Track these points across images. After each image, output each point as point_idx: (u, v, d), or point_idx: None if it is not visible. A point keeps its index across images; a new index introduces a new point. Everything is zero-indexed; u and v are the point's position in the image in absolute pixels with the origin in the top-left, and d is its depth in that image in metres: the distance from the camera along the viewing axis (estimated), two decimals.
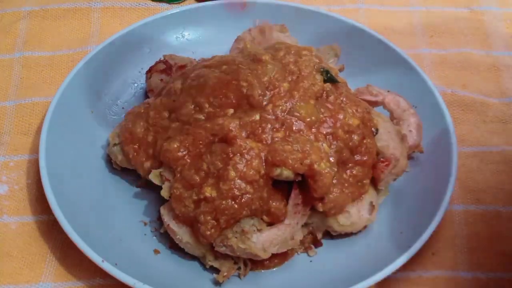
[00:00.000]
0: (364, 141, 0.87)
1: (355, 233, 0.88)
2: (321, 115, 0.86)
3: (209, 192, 0.80)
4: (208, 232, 0.80)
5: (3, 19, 1.17)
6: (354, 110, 0.88)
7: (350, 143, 0.86)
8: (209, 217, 0.80)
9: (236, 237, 0.80)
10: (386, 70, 1.03)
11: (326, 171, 0.82)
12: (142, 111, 0.92)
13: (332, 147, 0.84)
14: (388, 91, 0.97)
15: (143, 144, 0.89)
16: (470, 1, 1.22)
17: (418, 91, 0.98)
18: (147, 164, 0.89)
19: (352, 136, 0.86)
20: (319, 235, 0.88)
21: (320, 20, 1.08)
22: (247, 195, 0.80)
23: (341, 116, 0.86)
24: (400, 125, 0.93)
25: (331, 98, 0.88)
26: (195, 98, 0.88)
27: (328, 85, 0.89)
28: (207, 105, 0.87)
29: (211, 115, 0.86)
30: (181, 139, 0.85)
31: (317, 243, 0.88)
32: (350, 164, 0.86)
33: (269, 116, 0.84)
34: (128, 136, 0.89)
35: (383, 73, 1.03)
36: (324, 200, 0.82)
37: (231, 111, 0.86)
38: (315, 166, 0.81)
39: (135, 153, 0.89)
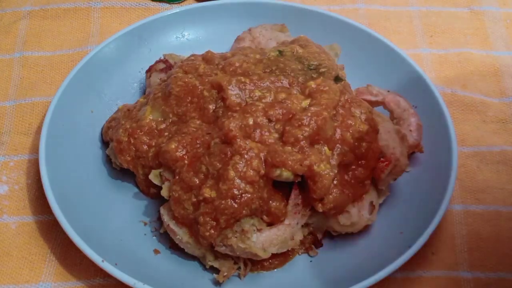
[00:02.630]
0: (371, 146, 0.87)
1: (356, 233, 0.88)
2: (335, 123, 0.86)
3: (208, 193, 0.80)
4: (207, 233, 0.80)
5: (3, 19, 1.17)
6: (361, 112, 0.88)
7: (357, 150, 0.85)
8: (208, 218, 0.80)
9: (236, 237, 0.80)
10: (386, 70, 1.03)
11: (325, 172, 0.82)
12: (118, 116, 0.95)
13: (336, 150, 0.84)
14: (388, 91, 0.97)
15: (131, 154, 0.89)
16: (470, 1, 1.22)
17: (418, 91, 0.98)
18: (142, 175, 0.90)
19: (361, 144, 0.85)
20: (320, 235, 0.88)
21: (320, 20, 1.08)
22: (247, 195, 0.80)
23: (351, 122, 0.86)
24: (400, 125, 0.93)
25: (343, 99, 0.88)
26: (160, 107, 0.90)
27: (340, 85, 0.89)
28: (171, 115, 0.89)
29: (177, 122, 0.88)
30: (178, 139, 0.85)
31: (317, 244, 0.88)
32: (352, 167, 0.86)
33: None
34: (117, 146, 0.90)
35: (383, 73, 1.03)
36: (324, 201, 0.82)
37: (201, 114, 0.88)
38: (315, 167, 0.81)
39: (130, 166, 0.90)
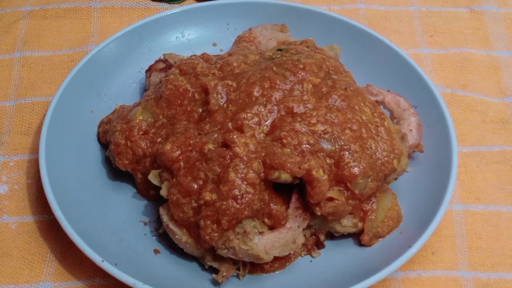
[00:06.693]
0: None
1: (357, 233, 0.87)
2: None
3: (209, 196, 0.80)
4: (208, 237, 0.80)
5: (3, 19, 1.17)
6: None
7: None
8: (209, 222, 0.80)
9: (238, 239, 0.80)
10: (386, 70, 1.03)
11: (323, 178, 0.81)
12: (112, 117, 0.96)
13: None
14: (388, 91, 0.97)
15: (129, 157, 0.89)
16: (470, 1, 1.22)
17: (418, 91, 0.98)
18: (140, 176, 0.90)
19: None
20: (322, 237, 0.88)
21: (320, 20, 1.08)
22: (248, 195, 0.80)
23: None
24: (400, 125, 0.93)
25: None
26: (151, 109, 0.90)
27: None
28: (161, 117, 0.89)
29: (166, 125, 0.88)
30: (173, 140, 0.85)
31: (319, 245, 0.88)
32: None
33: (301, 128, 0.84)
34: (115, 148, 0.90)
35: (383, 73, 1.03)
36: (320, 205, 0.82)
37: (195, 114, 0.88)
38: (314, 172, 0.81)
39: (128, 169, 0.90)
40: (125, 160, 0.89)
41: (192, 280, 0.84)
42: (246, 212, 0.80)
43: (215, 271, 0.84)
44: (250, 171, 0.80)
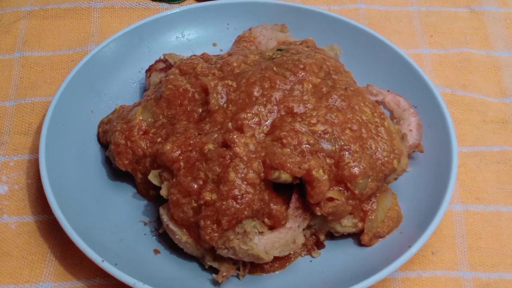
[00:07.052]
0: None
1: (357, 233, 0.87)
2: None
3: (209, 196, 0.80)
4: (208, 237, 0.80)
5: (3, 19, 1.17)
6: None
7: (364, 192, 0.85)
8: (208, 222, 0.80)
9: (238, 239, 0.80)
10: (386, 70, 1.03)
11: (323, 178, 0.81)
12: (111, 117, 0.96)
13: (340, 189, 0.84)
14: (388, 91, 0.97)
15: (129, 157, 0.89)
16: (470, 1, 1.22)
17: (418, 91, 0.98)
18: (140, 176, 0.90)
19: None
20: (322, 237, 0.88)
21: (320, 20, 1.08)
22: (248, 195, 0.80)
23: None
24: (400, 125, 0.93)
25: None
26: (151, 109, 0.90)
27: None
28: (161, 117, 0.89)
29: (166, 125, 0.88)
30: (173, 140, 0.85)
31: (319, 245, 0.88)
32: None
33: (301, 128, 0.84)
34: (115, 148, 0.90)
35: (383, 73, 1.03)
36: (321, 205, 0.82)
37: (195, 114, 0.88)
38: (314, 172, 0.81)
39: (128, 169, 0.90)
40: (125, 160, 0.89)
41: (192, 280, 0.84)
42: (246, 212, 0.80)
43: (215, 271, 0.84)
44: (250, 171, 0.80)
